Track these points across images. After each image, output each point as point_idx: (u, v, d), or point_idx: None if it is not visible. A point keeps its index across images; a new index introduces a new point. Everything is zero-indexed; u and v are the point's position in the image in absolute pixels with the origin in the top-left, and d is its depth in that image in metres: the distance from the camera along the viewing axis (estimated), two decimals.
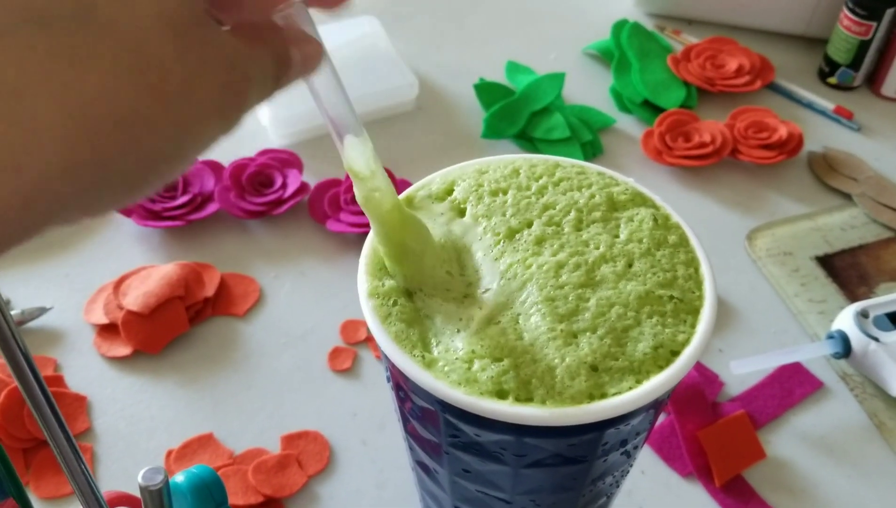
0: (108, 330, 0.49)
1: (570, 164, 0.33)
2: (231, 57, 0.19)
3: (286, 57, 0.22)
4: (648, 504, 0.44)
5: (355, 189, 0.28)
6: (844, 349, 0.47)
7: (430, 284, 0.29)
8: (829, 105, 0.65)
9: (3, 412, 0.44)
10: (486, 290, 0.29)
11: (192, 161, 0.20)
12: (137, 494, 0.27)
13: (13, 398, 0.44)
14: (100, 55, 0.16)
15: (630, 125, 0.65)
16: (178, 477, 0.28)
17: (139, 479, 0.24)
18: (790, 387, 0.49)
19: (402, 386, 0.29)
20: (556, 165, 0.33)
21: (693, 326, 0.28)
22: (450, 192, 0.32)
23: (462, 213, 0.31)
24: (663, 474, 0.45)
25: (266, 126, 0.62)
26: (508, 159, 0.33)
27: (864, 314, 0.48)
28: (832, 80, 0.67)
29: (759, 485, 0.45)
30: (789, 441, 0.47)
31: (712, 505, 0.44)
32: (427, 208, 0.32)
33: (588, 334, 0.27)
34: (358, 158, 0.27)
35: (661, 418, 0.47)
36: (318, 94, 0.26)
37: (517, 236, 0.30)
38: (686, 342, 0.28)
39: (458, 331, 0.28)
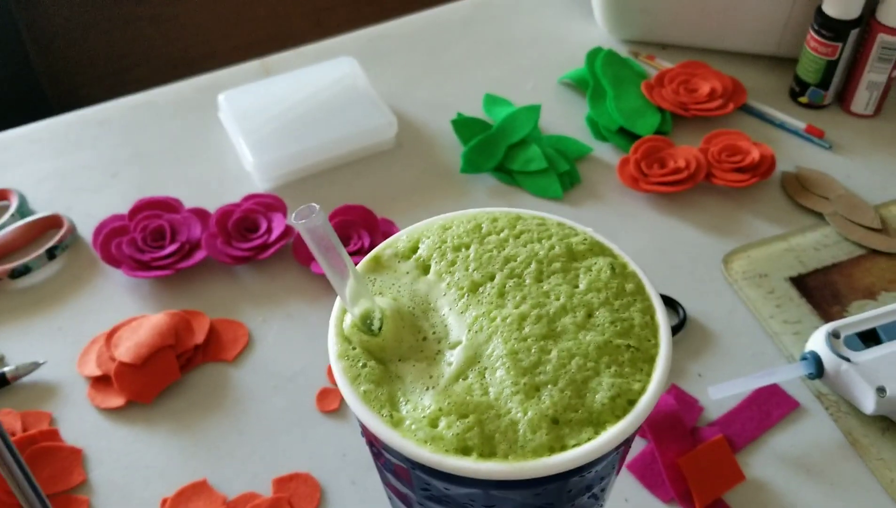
0: (101, 382, 0.51)
1: (531, 215, 0.35)
2: None
3: None
4: None
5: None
6: (817, 369, 0.49)
7: (406, 354, 0.30)
8: (800, 124, 0.67)
9: None
10: (457, 343, 0.30)
11: None
12: None
13: None
14: None
15: (606, 153, 0.66)
16: None
17: None
18: (767, 409, 0.50)
19: (374, 443, 0.30)
20: (517, 217, 0.34)
21: (649, 374, 0.29)
22: (415, 250, 0.34)
23: (427, 270, 0.33)
24: (646, 501, 0.46)
25: (249, 171, 0.63)
26: (471, 214, 0.35)
27: (835, 335, 0.49)
28: (803, 99, 0.68)
29: (738, 507, 0.46)
30: (768, 463, 0.48)
31: None
32: (393, 268, 0.33)
33: (549, 386, 0.29)
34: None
35: (643, 445, 0.48)
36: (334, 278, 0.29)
37: (480, 289, 0.32)
38: (642, 391, 0.29)
39: (427, 388, 0.29)
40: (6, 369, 0.50)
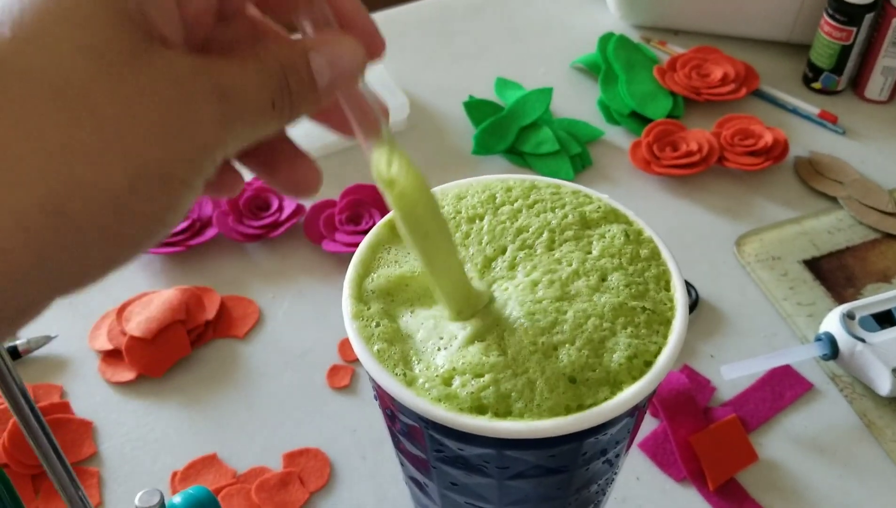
0: (112, 356, 0.51)
1: (546, 184, 0.34)
2: (183, 81, 0.17)
3: (294, 71, 0.19)
4: None
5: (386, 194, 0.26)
6: (832, 350, 0.48)
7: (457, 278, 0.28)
8: (813, 110, 0.66)
9: (10, 438, 0.45)
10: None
11: (167, 208, 0.18)
12: None
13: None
14: (27, 109, 0.15)
15: (618, 137, 0.66)
16: (176, 499, 0.30)
17: (136, 501, 0.26)
18: (781, 390, 0.50)
19: (389, 405, 0.30)
20: (531, 186, 0.34)
21: (665, 336, 0.29)
22: None
23: None
24: (658, 479, 0.46)
25: None
26: (486, 182, 0.34)
27: (850, 316, 0.49)
28: (816, 85, 0.68)
29: (752, 488, 0.45)
30: (781, 443, 0.47)
31: None
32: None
33: (567, 346, 0.28)
34: (383, 164, 0.25)
35: (655, 424, 0.48)
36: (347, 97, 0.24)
37: (493, 264, 0.31)
38: (659, 352, 0.29)
39: (440, 349, 0.29)
40: (18, 342, 0.50)
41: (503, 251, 0.32)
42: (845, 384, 0.50)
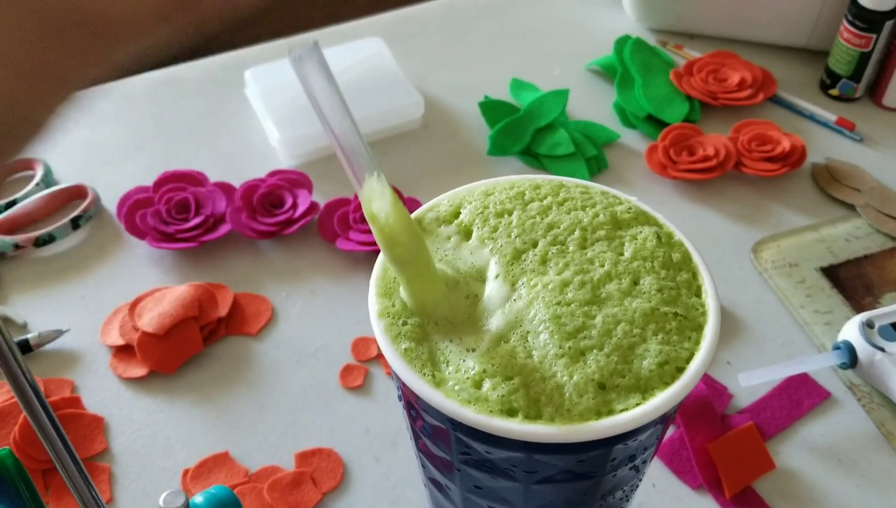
0: (123, 351, 0.50)
1: (574, 183, 0.34)
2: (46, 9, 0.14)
3: None
4: None
5: (371, 227, 0.28)
6: (851, 359, 0.48)
7: (449, 311, 0.29)
8: (831, 117, 0.66)
9: (21, 433, 0.45)
10: (497, 309, 0.29)
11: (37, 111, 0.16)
12: None
13: None
14: None
15: (634, 140, 0.65)
16: (198, 498, 0.29)
17: (160, 502, 0.25)
18: (798, 398, 0.49)
19: (414, 405, 0.29)
20: (560, 185, 0.34)
21: (697, 342, 0.29)
22: (457, 214, 0.33)
23: (469, 235, 0.32)
24: (674, 487, 0.46)
25: (275, 147, 0.63)
26: (514, 180, 0.34)
27: (869, 325, 0.48)
28: (834, 91, 0.68)
29: (769, 496, 0.45)
30: (798, 452, 0.47)
31: None
32: (433, 232, 0.32)
33: (595, 351, 0.28)
34: (375, 201, 0.27)
35: (671, 431, 0.48)
36: (333, 132, 0.26)
37: (523, 256, 0.31)
38: (690, 359, 0.28)
39: (468, 350, 0.28)
40: (29, 335, 0.50)
41: (534, 245, 0.31)
42: (863, 393, 0.49)
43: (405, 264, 0.28)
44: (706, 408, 0.48)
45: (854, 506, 0.45)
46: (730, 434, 0.47)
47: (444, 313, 0.29)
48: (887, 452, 0.47)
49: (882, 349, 0.47)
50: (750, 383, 0.47)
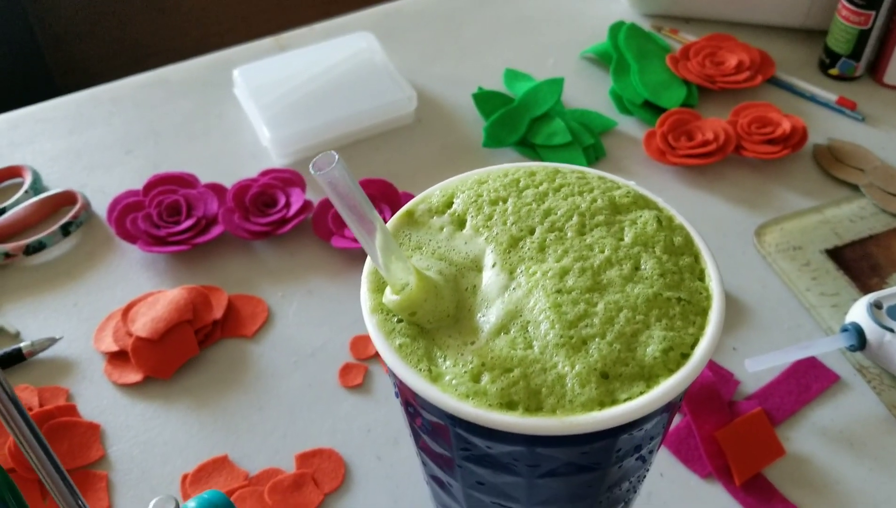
0: (118, 357, 0.49)
1: (570, 169, 0.33)
2: None
3: None
4: (669, 506, 0.43)
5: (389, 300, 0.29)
6: (859, 341, 0.47)
7: (441, 317, 0.29)
8: (831, 97, 0.65)
9: (16, 443, 0.44)
10: (496, 299, 0.29)
11: None
12: None
13: None
14: None
15: (631, 127, 0.64)
16: (191, 504, 0.28)
17: None
18: (806, 382, 0.48)
19: (412, 402, 0.28)
20: (555, 171, 0.33)
21: (702, 327, 0.28)
22: (449, 204, 0.32)
23: (462, 225, 0.31)
24: (682, 476, 0.45)
25: (267, 146, 0.62)
26: (508, 168, 0.33)
27: (877, 305, 0.47)
28: (833, 71, 0.66)
29: (780, 483, 0.44)
30: (808, 437, 0.46)
31: (734, 505, 0.43)
32: (426, 223, 0.31)
33: (597, 340, 0.27)
34: (397, 281, 0.28)
35: (678, 419, 0.47)
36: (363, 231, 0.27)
37: (520, 243, 0.30)
38: (695, 344, 0.27)
39: (466, 344, 0.28)
40: (22, 344, 0.49)
41: (531, 232, 0.30)
42: (873, 375, 0.48)
43: (421, 323, 0.29)
44: (713, 395, 0.47)
45: (867, 490, 0.44)
46: (738, 421, 0.46)
47: (438, 321, 0.28)
48: None
49: (891, 330, 0.46)
50: (757, 368, 0.46)
